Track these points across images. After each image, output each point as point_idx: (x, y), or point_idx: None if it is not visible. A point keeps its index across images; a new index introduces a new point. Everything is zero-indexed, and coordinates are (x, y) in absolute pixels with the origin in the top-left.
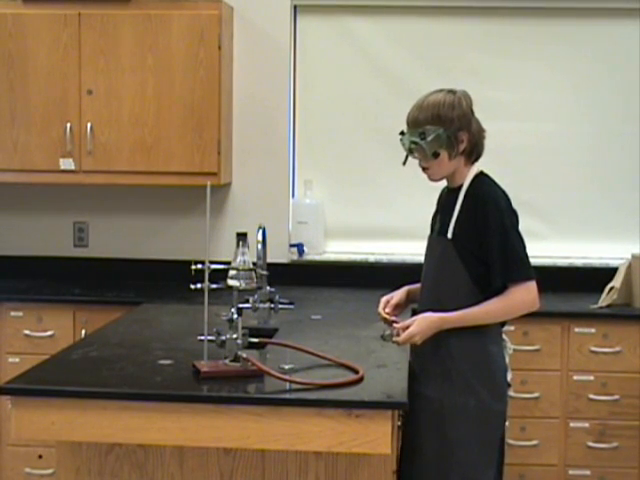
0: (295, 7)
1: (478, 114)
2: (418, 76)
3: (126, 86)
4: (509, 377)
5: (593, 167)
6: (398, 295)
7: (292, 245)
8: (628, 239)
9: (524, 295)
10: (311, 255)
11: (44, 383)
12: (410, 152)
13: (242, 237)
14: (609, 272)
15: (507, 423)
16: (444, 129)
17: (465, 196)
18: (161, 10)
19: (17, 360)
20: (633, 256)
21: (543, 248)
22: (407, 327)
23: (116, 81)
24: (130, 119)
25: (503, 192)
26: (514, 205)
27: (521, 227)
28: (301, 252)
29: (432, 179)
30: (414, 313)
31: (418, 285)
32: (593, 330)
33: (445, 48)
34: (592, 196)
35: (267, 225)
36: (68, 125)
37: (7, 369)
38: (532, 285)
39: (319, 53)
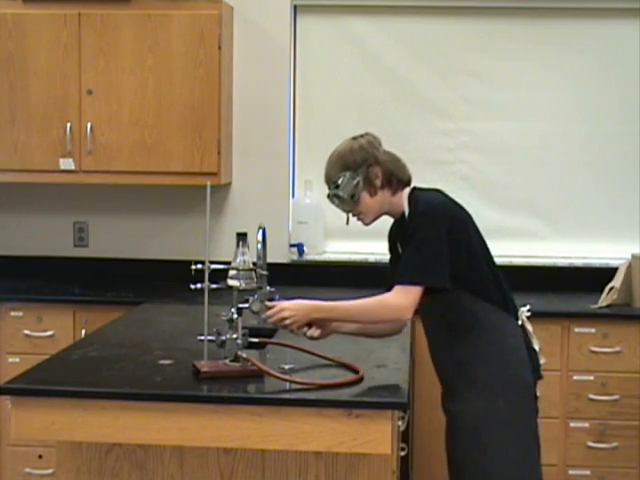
0: (295, 7)
1: (478, 114)
2: (418, 76)
3: (126, 86)
4: (537, 346)
5: (593, 167)
6: None
7: (292, 245)
8: (628, 239)
9: (395, 300)
10: (311, 255)
11: (44, 383)
12: (342, 209)
13: (242, 237)
14: (609, 272)
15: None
16: (352, 171)
17: (409, 220)
18: (161, 10)
19: (17, 360)
20: (633, 256)
21: (543, 248)
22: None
23: (116, 81)
24: (130, 119)
25: (432, 196)
26: (513, 204)
27: (521, 227)
28: (301, 252)
29: (366, 223)
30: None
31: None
32: (593, 330)
33: (445, 48)
34: (592, 196)
35: (267, 225)
36: (68, 125)
37: (7, 369)
38: (408, 291)
39: (319, 53)
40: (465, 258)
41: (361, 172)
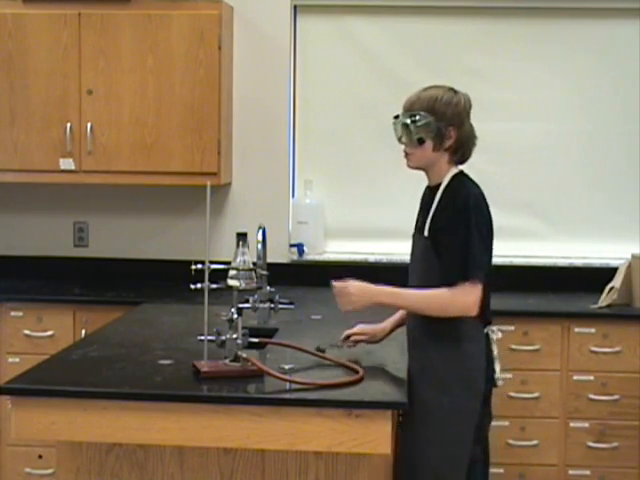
0: (295, 7)
1: (478, 114)
2: (418, 76)
3: (126, 86)
4: (497, 368)
5: (593, 167)
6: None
7: (292, 245)
8: (628, 239)
9: (465, 297)
10: (311, 255)
11: (44, 383)
12: (399, 138)
13: (242, 237)
14: (609, 272)
15: (491, 423)
16: (435, 119)
17: (442, 194)
18: (161, 10)
19: (17, 360)
20: (633, 256)
21: (543, 248)
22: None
23: (116, 81)
24: (130, 119)
25: (480, 193)
26: (513, 204)
27: (521, 227)
28: (301, 252)
29: (410, 165)
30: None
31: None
32: (593, 330)
33: (445, 48)
34: (592, 196)
35: (267, 225)
36: (68, 125)
37: (7, 369)
38: (477, 289)
39: (319, 53)
40: None
41: (441, 125)
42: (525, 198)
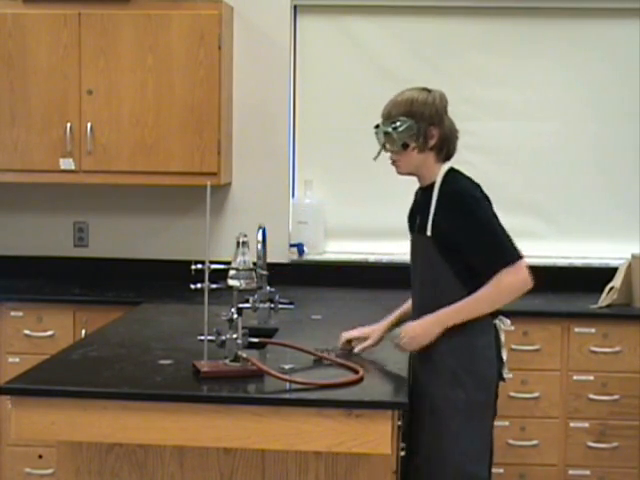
0: (295, 7)
1: (478, 114)
2: (418, 76)
3: (126, 86)
4: (504, 356)
5: (593, 167)
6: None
7: (292, 245)
8: (628, 239)
9: (512, 277)
10: (311, 255)
11: (44, 383)
12: (383, 146)
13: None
14: (609, 272)
15: (495, 419)
16: (415, 121)
17: (439, 192)
18: (161, 10)
19: (17, 360)
20: (633, 256)
21: (543, 248)
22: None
23: (116, 81)
24: (130, 119)
25: (475, 183)
26: (513, 204)
27: (521, 227)
28: (301, 252)
29: (399, 172)
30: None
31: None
32: (593, 330)
33: (445, 48)
34: (592, 196)
35: (267, 225)
36: (68, 125)
37: (7, 369)
38: (519, 265)
39: (319, 53)
40: None
41: (422, 126)
42: (526, 198)
